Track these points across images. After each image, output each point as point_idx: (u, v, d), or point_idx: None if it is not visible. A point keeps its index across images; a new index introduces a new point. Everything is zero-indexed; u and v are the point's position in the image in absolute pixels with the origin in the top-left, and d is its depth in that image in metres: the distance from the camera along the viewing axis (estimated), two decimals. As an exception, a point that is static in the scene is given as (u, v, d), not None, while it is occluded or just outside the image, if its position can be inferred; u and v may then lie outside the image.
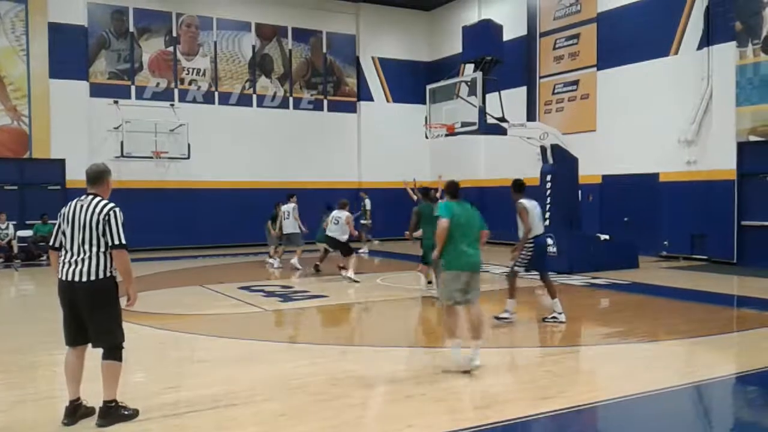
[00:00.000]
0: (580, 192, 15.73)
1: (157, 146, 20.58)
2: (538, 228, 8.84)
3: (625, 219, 17.57)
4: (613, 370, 6.70)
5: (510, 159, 20.47)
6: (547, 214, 14.78)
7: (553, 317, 8.87)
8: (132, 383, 6.46)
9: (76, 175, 19.31)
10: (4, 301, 12.14)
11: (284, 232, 15.52)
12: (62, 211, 5.09)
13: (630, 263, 14.95)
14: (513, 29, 19.94)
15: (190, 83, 21.74)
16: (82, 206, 4.99)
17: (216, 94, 22.18)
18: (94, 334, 5.00)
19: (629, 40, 17.70)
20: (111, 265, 4.98)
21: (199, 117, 21.36)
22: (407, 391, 5.80)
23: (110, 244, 4.92)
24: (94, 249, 4.91)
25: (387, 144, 24.09)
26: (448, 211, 6.53)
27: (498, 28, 15.06)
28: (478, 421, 4.99)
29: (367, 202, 20.46)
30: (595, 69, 18.88)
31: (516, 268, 8.88)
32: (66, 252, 4.99)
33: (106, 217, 4.92)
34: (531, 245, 8.77)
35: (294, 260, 15.26)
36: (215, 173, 21.25)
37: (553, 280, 9.22)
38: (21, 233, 17.95)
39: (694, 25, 16.18)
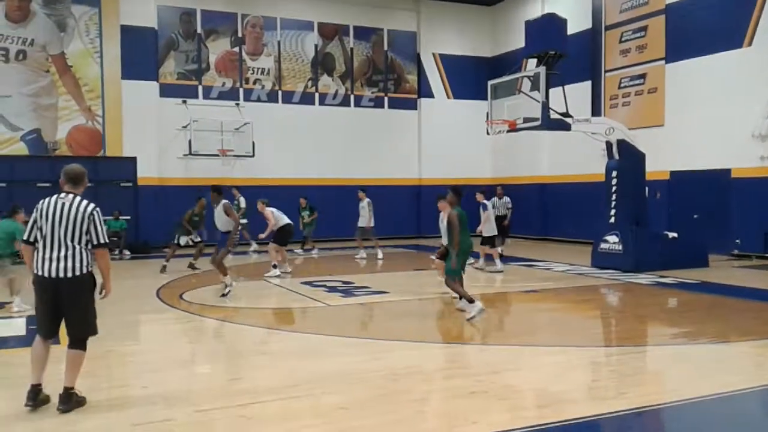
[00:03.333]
0: (647, 188, 15.32)
1: (223, 144, 21.07)
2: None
3: (695, 216, 17.02)
4: (680, 371, 6.53)
5: (574, 155, 20.10)
6: (613, 211, 14.50)
7: (226, 292, 10.86)
8: (198, 374, 6.68)
9: (147, 172, 20.04)
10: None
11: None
12: (38, 206, 5.20)
13: (699, 262, 14.48)
14: (577, 23, 19.54)
15: (254, 83, 22.17)
16: (63, 204, 5.13)
17: (279, 93, 22.55)
18: (71, 325, 5.19)
19: (699, 32, 17.11)
20: (90, 262, 5.17)
21: (264, 116, 21.76)
22: (469, 387, 5.80)
23: (95, 242, 5.15)
24: (77, 246, 5.09)
25: (448, 141, 24.00)
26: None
27: (562, 22, 14.80)
28: (541, 420, 4.94)
29: (242, 200, 18.15)
30: (663, 62, 18.32)
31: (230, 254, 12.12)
32: (45, 248, 5.11)
33: (92, 216, 5.13)
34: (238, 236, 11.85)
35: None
36: (279, 171, 21.62)
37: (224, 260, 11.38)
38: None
39: (770, 15, 15.52)
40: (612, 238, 14.33)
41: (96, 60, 19.71)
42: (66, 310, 5.14)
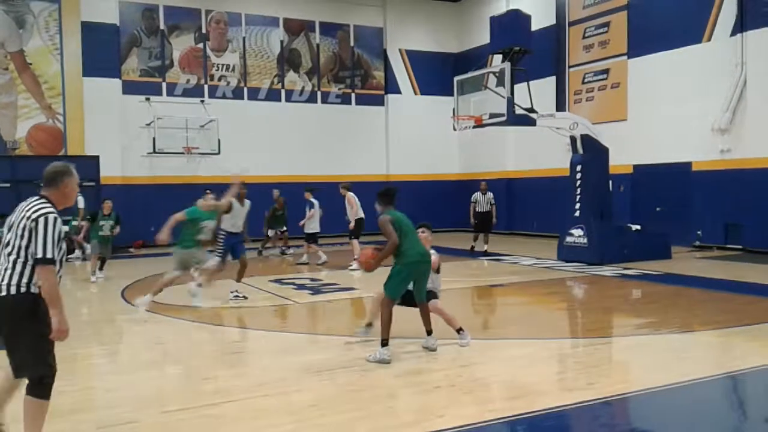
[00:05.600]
0: (611, 182, 15.55)
1: (188, 142, 20.79)
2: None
3: (657, 209, 17.34)
4: (645, 361, 6.64)
5: (539, 150, 20.32)
6: (577, 205, 14.68)
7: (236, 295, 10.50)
8: (165, 375, 6.60)
9: (110, 171, 19.70)
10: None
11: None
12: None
13: (662, 254, 14.75)
14: (542, 18, 19.74)
15: (219, 79, 21.95)
16: (20, 206, 4.12)
17: (245, 89, 22.36)
18: (11, 362, 4.08)
19: (660, 28, 17.41)
20: (31, 279, 4.00)
21: (229, 112, 21.55)
22: (436, 382, 5.84)
23: (33, 257, 3.96)
24: (13, 257, 3.98)
25: (415, 136, 24.06)
26: None
27: (526, 18, 14.93)
28: (508, 412, 5.00)
29: (80, 200, 16.57)
30: (625, 57, 18.61)
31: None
32: None
33: (34, 224, 3.95)
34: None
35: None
36: (245, 168, 21.41)
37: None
38: (57, 229, 18.26)
39: (728, 11, 15.84)
40: (577, 232, 14.52)
41: (56, 57, 19.31)
42: (3, 337, 4.06)
